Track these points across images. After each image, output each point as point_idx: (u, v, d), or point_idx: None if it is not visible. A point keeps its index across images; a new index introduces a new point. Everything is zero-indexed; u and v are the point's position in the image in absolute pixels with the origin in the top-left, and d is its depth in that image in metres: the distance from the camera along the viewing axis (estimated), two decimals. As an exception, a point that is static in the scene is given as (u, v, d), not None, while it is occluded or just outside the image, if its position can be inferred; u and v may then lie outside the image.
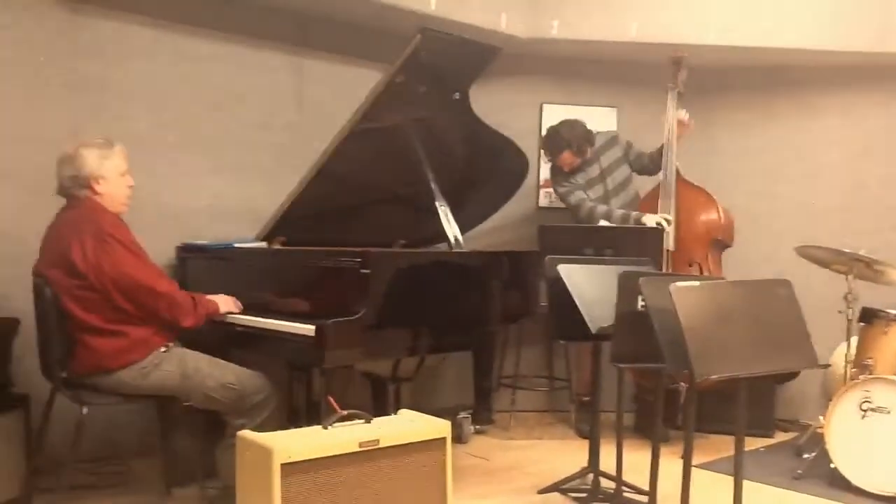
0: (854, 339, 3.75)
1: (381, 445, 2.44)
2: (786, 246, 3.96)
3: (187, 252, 3.75)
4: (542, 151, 4.67)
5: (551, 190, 4.81)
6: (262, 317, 3.09)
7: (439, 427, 2.61)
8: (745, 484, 2.56)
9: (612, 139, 4.51)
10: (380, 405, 3.71)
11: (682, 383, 3.87)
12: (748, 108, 5.08)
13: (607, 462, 3.24)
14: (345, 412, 2.52)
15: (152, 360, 2.85)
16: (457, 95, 3.75)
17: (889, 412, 3.35)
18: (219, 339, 3.17)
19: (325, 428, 2.47)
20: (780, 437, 4.40)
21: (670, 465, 2.92)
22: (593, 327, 2.89)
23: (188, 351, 2.95)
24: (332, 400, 2.62)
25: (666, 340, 2.36)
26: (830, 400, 3.54)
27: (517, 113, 4.81)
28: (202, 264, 3.69)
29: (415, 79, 3.44)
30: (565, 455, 3.88)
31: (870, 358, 3.61)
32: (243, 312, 3.17)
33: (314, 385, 3.37)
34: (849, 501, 3.34)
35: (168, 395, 2.91)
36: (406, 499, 2.51)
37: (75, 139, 2.97)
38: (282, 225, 3.73)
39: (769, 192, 4.97)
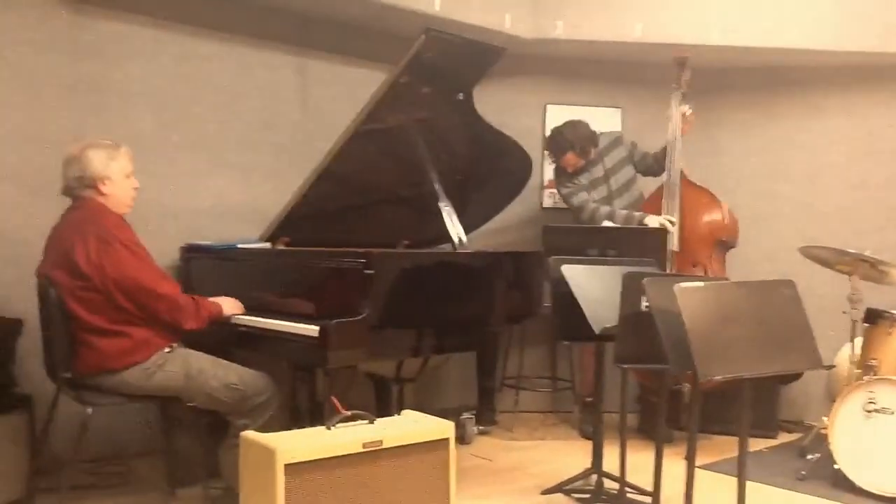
0: (858, 340, 3.74)
1: (384, 446, 2.44)
2: (790, 246, 3.95)
3: (191, 252, 3.75)
4: (545, 152, 4.67)
5: (555, 191, 4.81)
6: (266, 317, 3.09)
7: (442, 428, 2.61)
8: (749, 485, 2.56)
9: (616, 140, 4.50)
10: (383, 406, 3.72)
11: (686, 384, 3.87)
12: (751, 108, 5.07)
13: (611, 463, 3.24)
14: (348, 413, 2.52)
15: (156, 361, 2.85)
16: (460, 96, 3.75)
17: (893, 413, 3.34)
18: (222, 339, 3.17)
19: (329, 428, 2.47)
20: (784, 437, 4.39)
21: (674, 465, 2.91)
22: (597, 328, 2.88)
23: (192, 351, 2.95)
24: (335, 400, 2.62)
25: (670, 341, 2.36)
26: (834, 401, 3.53)
27: (521, 113, 4.81)
28: (206, 265, 3.70)
29: (419, 79, 3.44)
30: (569, 456, 3.88)
31: (874, 359, 3.60)
32: (247, 313, 3.17)
33: (317, 385, 3.38)
34: (852, 502, 3.33)
35: (171, 396, 2.91)
36: (409, 499, 2.51)
37: (79, 140, 2.97)
38: (285, 225, 3.73)
39: (773, 193, 4.97)
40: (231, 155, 4.08)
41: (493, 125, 3.93)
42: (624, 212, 4.27)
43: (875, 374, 3.52)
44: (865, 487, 3.35)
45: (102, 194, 2.88)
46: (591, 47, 4.66)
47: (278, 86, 4.24)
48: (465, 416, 4.19)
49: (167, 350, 2.89)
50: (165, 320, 2.87)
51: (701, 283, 2.45)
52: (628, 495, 3.17)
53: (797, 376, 4.46)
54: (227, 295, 3.18)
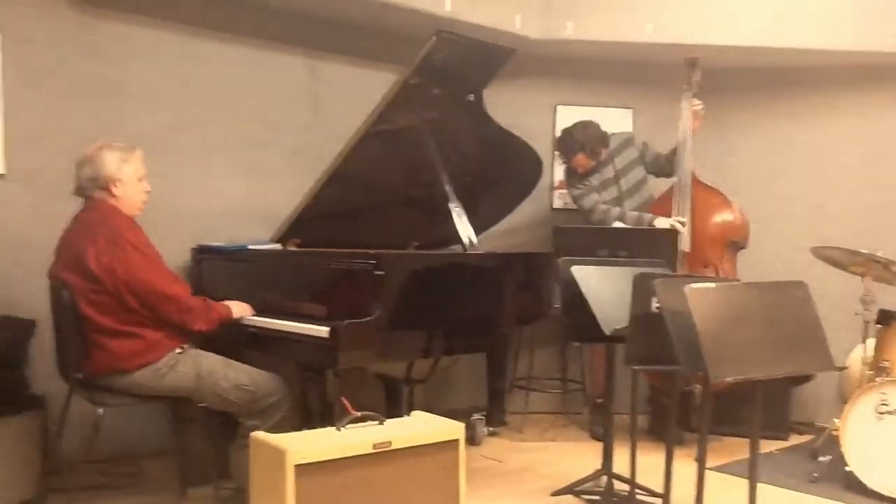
0: (870, 342, 3.72)
1: (394, 447, 2.45)
2: (801, 247, 3.94)
3: (202, 254, 3.77)
4: (555, 153, 4.66)
5: (565, 191, 4.80)
6: (277, 318, 3.10)
7: (452, 429, 2.61)
8: (760, 487, 2.55)
9: (627, 140, 4.49)
10: (393, 407, 3.72)
11: (697, 385, 3.85)
12: (762, 108, 5.05)
13: (621, 464, 3.23)
14: (358, 414, 2.52)
15: (167, 362, 2.86)
16: (471, 97, 3.76)
17: (906, 415, 3.32)
18: (233, 340, 3.18)
19: (339, 429, 2.47)
20: (796, 439, 4.37)
21: (684, 467, 2.90)
22: (607, 329, 2.87)
23: (203, 352, 2.97)
24: (345, 401, 2.62)
25: (680, 342, 2.35)
26: (846, 402, 3.51)
27: (531, 114, 4.80)
28: (217, 266, 3.71)
29: (429, 80, 3.44)
30: (579, 457, 3.87)
31: (886, 360, 3.58)
32: (257, 314, 3.18)
33: (328, 386, 3.38)
34: (865, 505, 3.32)
35: (183, 397, 2.92)
36: (419, 500, 2.51)
37: (91, 142, 2.99)
38: (296, 226, 3.74)
39: (785, 193, 4.94)
40: (242, 156, 4.09)
41: (504, 126, 3.93)
42: (634, 214, 4.26)
43: (887, 376, 3.50)
44: (877, 490, 3.33)
45: (114, 196, 2.90)
46: (602, 48, 4.65)
47: (288, 87, 4.26)
48: (476, 417, 4.18)
49: (178, 351, 2.90)
50: (175, 322, 2.88)
51: (712, 284, 2.44)
52: (638, 497, 3.16)
53: (809, 378, 4.45)
54: (238, 296, 3.20)
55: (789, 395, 4.43)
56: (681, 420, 3.78)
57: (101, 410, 2.80)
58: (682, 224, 4.14)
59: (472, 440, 4.08)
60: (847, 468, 3.41)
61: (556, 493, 3.38)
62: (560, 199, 4.99)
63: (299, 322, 3.00)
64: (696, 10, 4.47)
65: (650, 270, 2.89)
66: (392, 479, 2.45)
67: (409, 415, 2.77)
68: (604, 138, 4.38)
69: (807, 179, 4.93)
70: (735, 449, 3.91)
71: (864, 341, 3.74)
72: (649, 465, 3.18)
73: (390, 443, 2.44)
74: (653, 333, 2.52)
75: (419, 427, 2.60)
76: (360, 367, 3.02)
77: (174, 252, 3.52)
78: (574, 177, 4.46)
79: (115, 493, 3.28)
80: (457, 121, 3.78)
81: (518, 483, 3.58)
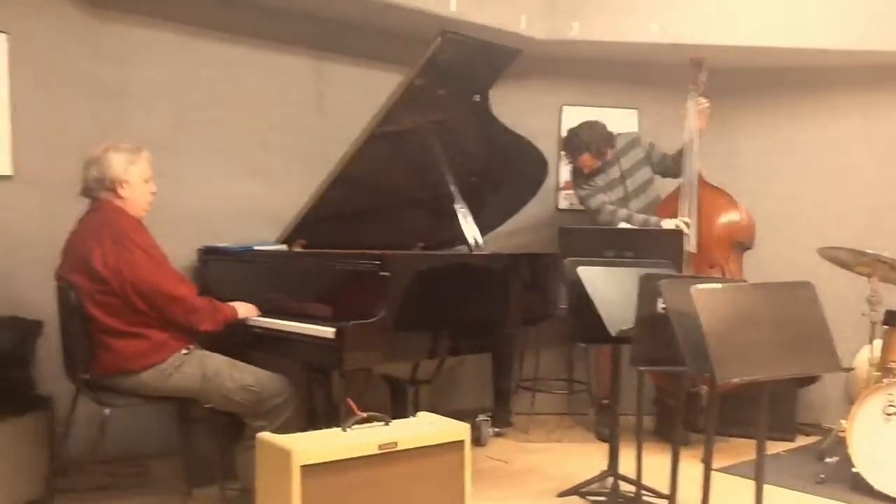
0: (877, 342, 3.71)
1: (399, 448, 2.44)
2: (808, 248, 3.92)
3: (208, 254, 3.78)
4: (561, 153, 4.66)
5: (571, 192, 4.79)
6: (282, 319, 3.11)
7: (458, 429, 2.61)
8: (767, 488, 2.54)
9: (634, 141, 4.48)
10: (399, 407, 3.72)
11: (703, 386, 3.85)
12: (769, 108, 5.04)
13: (627, 465, 3.23)
14: (364, 414, 2.52)
15: (173, 363, 2.87)
16: (476, 98, 3.76)
17: (914, 416, 3.31)
18: (239, 341, 3.19)
19: (345, 430, 2.47)
20: (802, 440, 4.36)
21: (691, 468, 2.90)
22: (613, 330, 2.87)
23: (208, 353, 2.97)
24: (351, 402, 2.62)
25: (687, 343, 2.34)
26: (853, 403, 3.50)
27: (537, 115, 4.80)
28: (223, 267, 3.72)
29: (434, 81, 3.45)
30: (585, 458, 3.87)
31: (893, 361, 3.57)
32: (263, 314, 3.19)
33: (333, 387, 3.38)
34: (871, 507, 3.31)
35: (188, 397, 2.93)
36: (424, 501, 2.51)
37: (98, 143, 3.00)
38: (302, 227, 3.75)
39: (791, 194, 4.93)
40: (248, 157, 4.10)
41: (509, 127, 3.92)
42: (641, 217, 4.25)
43: (894, 377, 3.48)
44: (884, 491, 3.32)
45: (120, 197, 2.91)
46: (607, 48, 4.65)
47: (295, 89, 4.26)
48: (481, 418, 4.18)
49: (184, 352, 2.91)
50: (181, 322, 2.89)
51: (718, 285, 2.44)
52: (645, 498, 3.16)
53: (815, 379, 4.43)
54: (244, 297, 3.21)
55: (796, 396, 4.42)
56: (687, 421, 3.78)
57: (107, 411, 2.81)
58: (687, 225, 4.13)
59: (477, 441, 4.08)
60: (854, 469, 3.40)
61: (562, 494, 3.37)
62: (566, 200, 4.99)
63: (305, 323, 3.00)
64: (701, 10, 4.47)
65: (656, 271, 2.89)
66: (398, 479, 2.45)
67: (414, 416, 2.77)
68: (609, 138, 4.37)
69: (813, 180, 4.91)
70: (741, 450, 3.90)
71: (870, 342, 3.73)
72: (655, 466, 3.17)
73: (396, 443, 2.44)
74: (659, 334, 2.52)
75: (425, 428, 2.59)
76: (366, 367, 3.02)
77: (180, 253, 3.53)
78: (580, 177, 4.46)
79: (122, 494, 3.29)
80: (462, 121, 3.78)
81: (524, 484, 3.58)
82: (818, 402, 4.61)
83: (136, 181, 2.94)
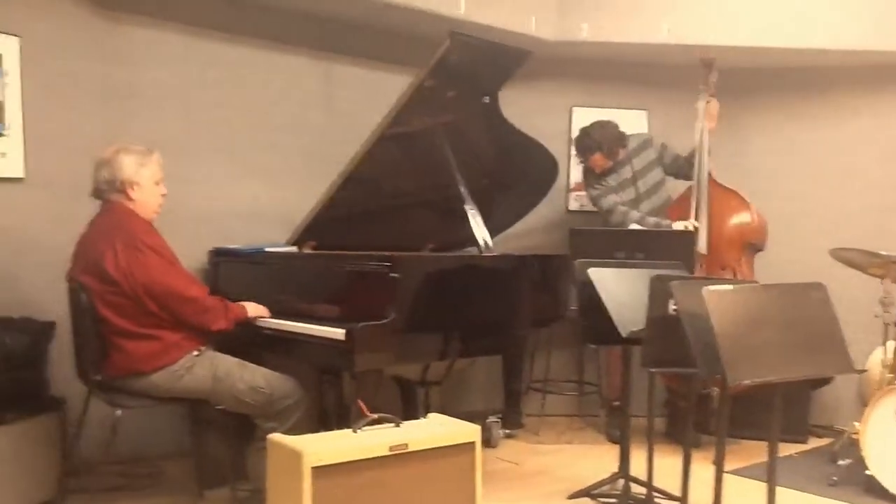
0: (890, 344, 3.68)
1: (410, 449, 2.44)
2: (820, 249, 3.90)
3: (219, 256, 3.79)
4: (573, 153, 4.65)
5: (581, 193, 4.78)
6: (293, 320, 3.11)
7: (469, 431, 2.60)
8: (779, 490, 2.53)
9: (646, 142, 4.47)
10: (409, 409, 3.72)
11: (715, 388, 3.83)
12: (780, 109, 5.02)
13: (638, 467, 3.22)
14: (374, 416, 2.52)
15: (184, 364, 2.88)
16: (486, 99, 3.76)
17: (927, 418, 3.29)
18: (250, 342, 3.20)
19: (355, 431, 2.48)
20: (815, 442, 4.34)
21: (702, 470, 2.89)
22: (624, 331, 2.86)
23: (219, 354, 2.98)
24: (361, 404, 2.63)
25: (698, 345, 2.33)
26: (866, 405, 3.48)
27: (546, 116, 4.79)
28: (234, 268, 3.73)
29: (444, 83, 3.45)
30: (595, 460, 3.86)
31: (907, 363, 3.54)
32: (274, 316, 3.19)
33: (344, 389, 3.39)
34: (885, 509, 3.29)
35: (200, 399, 2.94)
36: (435, 503, 2.50)
37: (111, 145, 3.01)
38: (312, 229, 3.76)
39: (802, 195, 4.90)
40: (258, 159, 4.11)
41: (519, 128, 3.92)
42: (653, 219, 4.24)
43: (908, 379, 3.46)
44: (899, 494, 3.30)
45: (131, 199, 2.93)
46: (617, 49, 4.64)
47: (304, 90, 4.27)
48: (492, 419, 4.18)
49: (195, 353, 2.92)
50: (193, 323, 2.90)
51: (730, 286, 2.42)
52: (656, 500, 3.15)
53: (828, 380, 4.41)
54: (254, 298, 3.21)
55: (808, 397, 4.39)
56: (698, 423, 3.76)
57: (118, 412, 2.83)
58: (696, 227, 4.11)
59: (488, 443, 4.08)
60: (867, 472, 3.38)
61: (573, 496, 3.36)
62: (576, 202, 4.98)
63: (315, 324, 3.00)
64: (711, 10, 4.45)
65: (667, 272, 2.88)
66: (408, 481, 2.45)
67: (425, 417, 2.77)
68: (622, 138, 4.36)
69: (824, 180, 4.89)
70: (753, 452, 3.88)
71: (884, 344, 3.70)
72: (667, 468, 3.16)
73: (406, 445, 2.44)
74: (670, 336, 2.51)
75: (435, 429, 2.59)
76: (376, 369, 3.02)
77: (191, 254, 3.54)
78: (592, 177, 4.45)
79: (134, 495, 3.30)
80: (472, 123, 3.78)
81: (534, 486, 3.57)
82: (831, 403, 4.59)
83: (147, 183, 2.95)
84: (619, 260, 3.43)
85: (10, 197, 3.34)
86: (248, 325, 3.14)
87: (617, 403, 4.22)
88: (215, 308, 2.96)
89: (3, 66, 3.29)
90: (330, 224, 3.73)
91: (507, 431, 4.30)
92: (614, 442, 4.09)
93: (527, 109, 4.36)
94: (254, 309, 3.15)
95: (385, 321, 2.88)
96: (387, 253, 3.05)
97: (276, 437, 2.46)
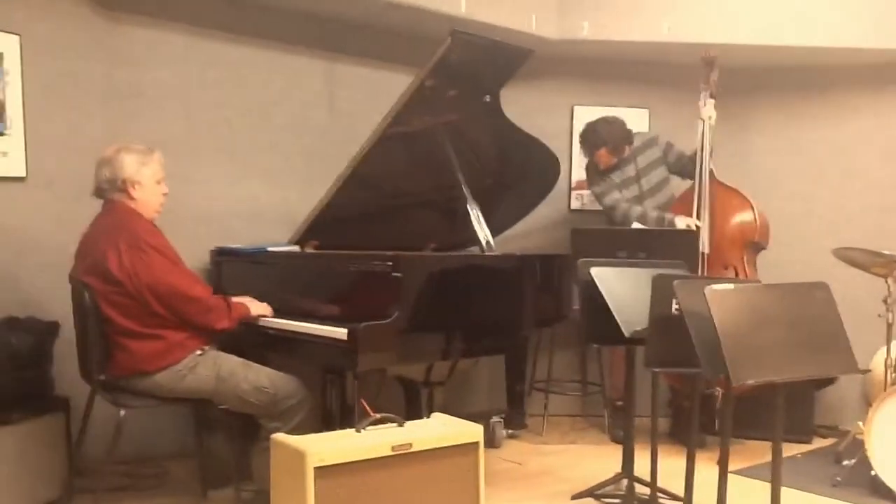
0: (894, 344, 3.67)
1: (413, 449, 2.44)
2: (823, 248, 3.89)
3: (221, 256, 3.79)
4: (576, 150, 4.64)
5: (583, 192, 4.78)
6: (295, 320, 3.11)
7: (472, 431, 2.60)
8: (783, 491, 2.52)
9: (651, 140, 4.46)
10: (412, 409, 3.72)
11: (718, 388, 3.83)
12: (782, 108, 5.01)
13: (642, 467, 3.21)
14: (378, 416, 2.52)
15: (188, 364, 2.88)
16: (487, 98, 3.75)
17: (932, 418, 3.28)
18: (253, 342, 3.20)
19: (359, 431, 2.48)
20: (819, 443, 4.33)
21: (706, 471, 2.88)
22: (627, 331, 2.86)
23: (223, 354, 2.98)
24: (364, 403, 2.62)
25: (701, 344, 2.33)
26: (870, 405, 3.47)
27: (548, 115, 4.79)
28: (236, 268, 3.73)
29: (445, 82, 3.44)
30: (599, 460, 3.85)
31: (911, 362, 3.54)
32: (277, 316, 3.19)
33: (347, 388, 3.39)
34: (890, 509, 3.28)
35: (203, 399, 2.94)
36: (438, 503, 2.50)
37: (112, 144, 3.01)
38: (314, 228, 3.75)
39: (805, 194, 4.90)
40: (260, 159, 4.11)
41: (521, 127, 3.92)
42: (655, 213, 4.23)
43: (912, 378, 3.45)
44: (903, 493, 3.29)
45: (132, 198, 2.93)
46: (618, 47, 4.64)
47: (305, 90, 4.27)
48: (495, 419, 4.18)
49: (199, 353, 2.92)
50: (197, 322, 2.90)
51: (732, 286, 2.42)
52: (660, 500, 3.14)
53: (832, 380, 4.41)
54: (256, 298, 3.21)
55: (813, 398, 4.38)
56: (702, 423, 3.75)
57: (122, 412, 2.82)
58: (698, 227, 4.10)
59: (491, 443, 4.07)
60: (872, 472, 3.37)
61: (577, 497, 3.36)
62: (578, 201, 4.97)
63: (318, 324, 3.00)
64: (712, 9, 4.45)
65: (669, 272, 2.87)
66: (411, 481, 2.45)
67: (428, 417, 2.77)
68: (628, 136, 4.35)
69: (827, 179, 4.88)
70: (757, 452, 3.87)
71: (887, 343, 3.69)
72: (670, 468, 3.15)
73: (410, 445, 2.44)
74: (673, 335, 2.50)
75: (438, 429, 2.59)
76: (379, 368, 3.02)
77: (194, 254, 3.54)
78: (596, 173, 4.44)
79: (139, 495, 3.30)
80: (473, 122, 3.78)
81: (538, 486, 3.57)
82: (835, 403, 4.58)
83: (149, 182, 2.95)
84: (622, 259, 3.43)
85: (12, 196, 3.34)
86: (251, 324, 3.15)
87: (620, 403, 4.21)
88: (218, 307, 2.96)
89: (4, 65, 3.29)
90: (332, 224, 3.73)
91: (511, 431, 4.29)
92: (618, 442, 4.08)
93: (528, 108, 4.36)
94: (256, 307, 3.15)
95: (388, 321, 2.88)
96: (389, 252, 3.05)
97: (279, 436, 2.46)
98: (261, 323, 3.17)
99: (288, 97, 4.20)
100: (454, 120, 3.63)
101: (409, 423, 2.57)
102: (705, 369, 2.35)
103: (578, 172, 4.80)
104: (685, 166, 4.41)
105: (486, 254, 3.51)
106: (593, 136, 4.33)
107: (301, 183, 4.12)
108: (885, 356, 3.68)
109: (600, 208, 4.52)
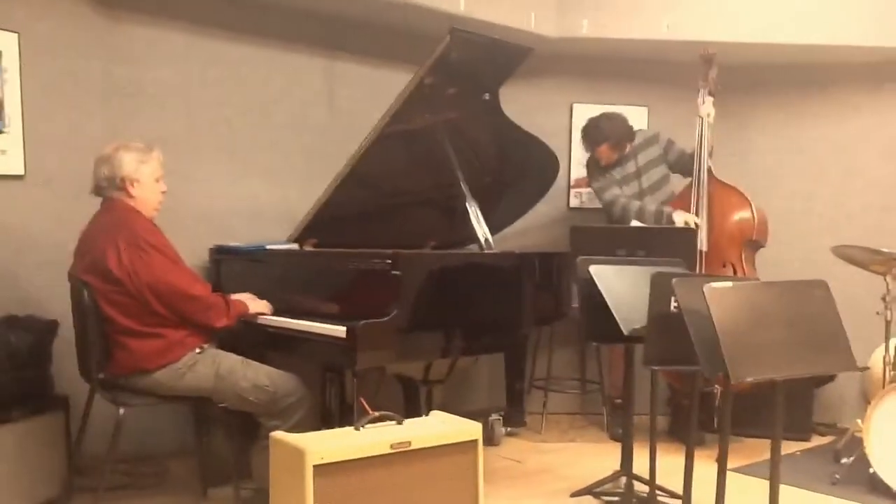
0: (893, 341, 3.67)
1: (412, 447, 2.44)
2: (822, 246, 3.90)
3: (220, 254, 3.79)
4: (575, 146, 4.63)
5: (582, 190, 4.78)
6: (294, 318, 3.11)
7: (471, 429, 2.60)
8: (782, 488, 2.52)
9: (652, 138, 4.46)
10: (411, 407, 3.72)
11: (717, 386, 3.83)
12: (781, 106, 5.01)
13: (641, 465, 3.21)
14: (377, 414, 2.52)
15: (187, 362, 2.88)
16: (487, 96, 3.74)
17: (930, 415, 3.28)
18: (253, 341, 3.20)
19: (358, 429, 2.48)
20: (818, 440, 4.34)
21: (705, 468, 2.88)
22: (626, 329, 2.86)
23: (222, 352, 2.98)
24: (363, 401, 2.62)
25: (700, 342, 2.33)
26: (869, 403, 3.48)
27: (547, 113, 4.79)
28: (235, 266, 3.73)
29: (444, 80, 3.44)
30: (598, 458, 3.86)
31: (910, 360, 3.54)
32: (276, 314, 3.19)
33: (347, 386, 3.39)
34: (888, 507, 3.28)
35: (203, 397, 2.94)
36: (437, 500, 2.50)
37: (110, 143, 3.01)
38: (313, 227, 3.75)
39: (804, 192, 4.90)
40: (259, 157, 4.11)
41: (520, 125, 3.91)
42: (653, 208, 4.23)
43: (911, 376, 3.46)
44: (902, 491, 3.29)
45: (131, 196, 2.93)
46: (617, 45, 4.63)
47: (305, 88, 4.27)
48: (494, 417, 4.18)
49: (198, 351, 2.92)
50: (197, 320, 2.91)
51: (730, 284, 2.42)
52: (659, 498, 3.14)
53: (831, 378, 4.41)
54: (256, 296, 3.21)
55: (812, 395, 4.39)
56: (701, 421, 3.75)
57: (122, 410, 2.82)
58: (697, 225, 4.10)
59: (490, 441, 4.08)
60: (871, 470, 3.38)
61: (576, 494, 3.36)
62: (577, 199, 4.97)
63: (316, 322, 3.00)
64: (711, 7, 4.45)
65: (668, 270, 2.87)
66: (410, 479, 2.45)
67: (427, 415, 2.77)
68: (629, 132, 4.36)
69: (827, 178, 4.88)
70: (756, 450, 3.88)
71: (886, 341, 3.70)
72: (669, 466, 3.16)
73: (409, 443, 2.44)
74: (672, 333, 2.51)
75: (438, 427, 2.59)
76: (378, 367, 3.02)
77: (193, 252, 3.54)
78: (596, 169, 4.44)
79: (138, 493, 3.31)
80: (473, 120, 3.78)
81: (537, 484, 3.57)
82: (834, 401, 4.58)
83: (147, 180, 2.95)
84: (621, 257, 3.43)
85: (11, 194, 3.34)
86: (251, 322, 3.15)
87: (619, 401, 4.22)
88: (217, 305, 2.96)
89: (3, 63, 3.29)
90: (331, 222, 3.73)
91: (510, 429, 4.30)
92: (617, 440, 4.09)
93: (527, 106, 4.36)
94: (255, 305, 3.16)
95: (387, 319, 2.88)
96: (388, 250, 3.05)
97: (278, 434, 2.46)
98: (260, 321, 3.17)
99: (288, 95, 4.20)
100: (453, 118, 3.63)
101: (408, 422, 2.57)
102: (704, 367, 2.36)
103: (577, 170, 4.80)
104: (686, 164, 4.40)
105: (486, 252, 3.51)
106: (595, 132, 4.33)
107: (301, 181, 4.12)
108: (884, 354, 3.69)
109: (599, 206, 4.53)
